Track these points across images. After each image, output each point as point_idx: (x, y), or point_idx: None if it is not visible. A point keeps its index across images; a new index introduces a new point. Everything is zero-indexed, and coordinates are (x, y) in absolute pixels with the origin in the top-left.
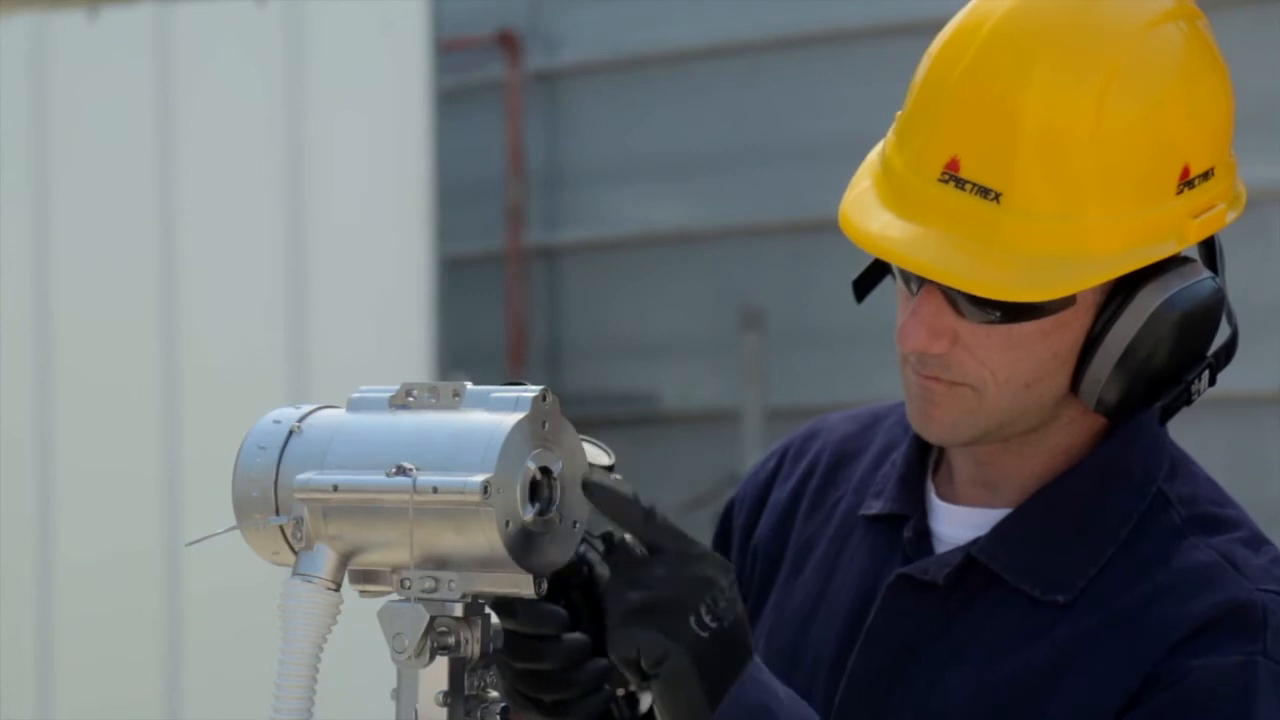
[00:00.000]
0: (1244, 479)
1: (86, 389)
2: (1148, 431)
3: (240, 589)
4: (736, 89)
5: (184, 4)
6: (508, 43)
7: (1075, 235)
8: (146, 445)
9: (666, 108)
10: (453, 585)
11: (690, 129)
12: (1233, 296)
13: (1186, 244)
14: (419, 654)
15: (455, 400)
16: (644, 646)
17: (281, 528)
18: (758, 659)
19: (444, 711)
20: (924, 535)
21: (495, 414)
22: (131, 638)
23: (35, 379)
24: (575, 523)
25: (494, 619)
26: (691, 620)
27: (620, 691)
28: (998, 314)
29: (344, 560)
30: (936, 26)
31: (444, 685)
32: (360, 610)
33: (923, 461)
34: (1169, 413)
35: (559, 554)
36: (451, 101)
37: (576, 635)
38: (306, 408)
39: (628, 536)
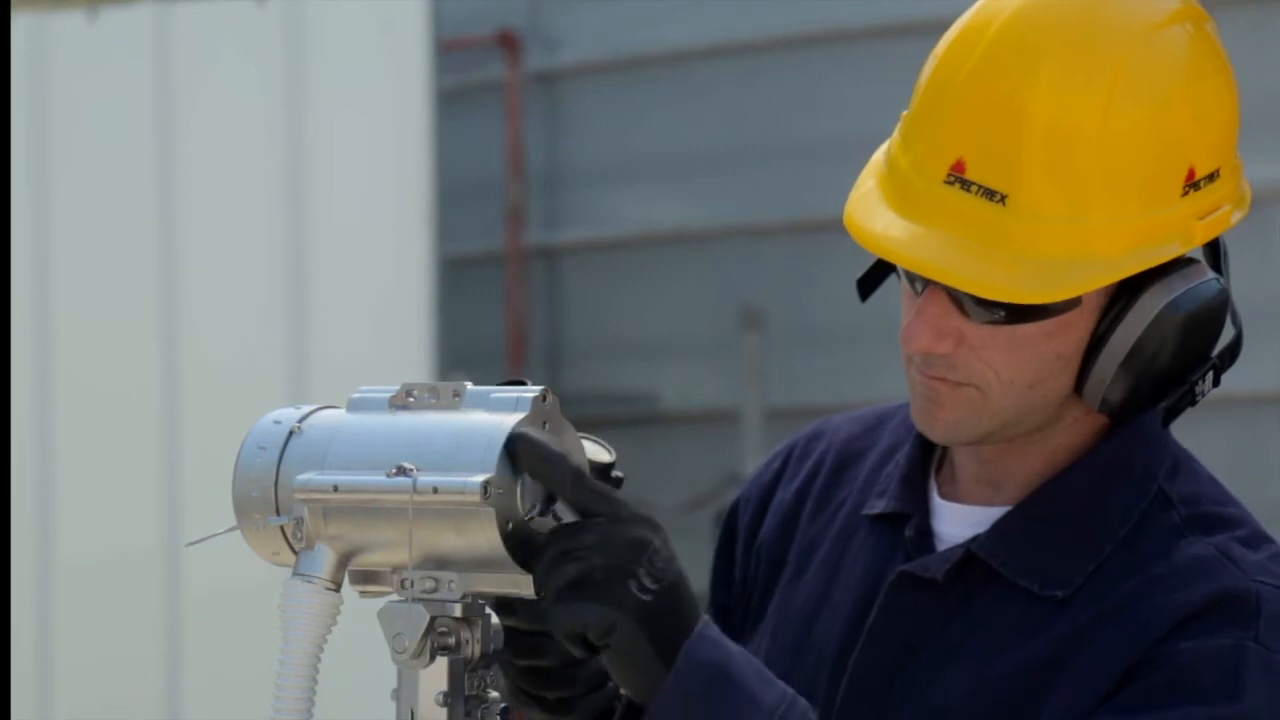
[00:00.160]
0: (1244, 479)
1: (86, 389)
2: (1149, 430)
3: (240, 589)
4: (736, 89)
5: (184, 4)
6: (508, 43)
7: (1081, 237)
8: (146, 445)
9: (666, 108)
10: (453, 586)
11: (690, 129)
12: (1234, 296)
13: (1192, 245)
14: (419, 654)
15: (455, 401)
16: (588, 619)
17: (282, 528)
18: (705, 615)
19: (444, 712)
20: (926, 534)
21: (495, 414)
22: (132, 637)
23: (35, 379)
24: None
25: (494, 619)
26: (632, 585)
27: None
28: (1002, 315)
29: (344, 560)
30: (937, 26)
31: (444, 686)
32: (360, 610)
33: (926, 461)
34: (1173, 414)
35: None
36: (451, 101)
37: None
38: (307, 408)
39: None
